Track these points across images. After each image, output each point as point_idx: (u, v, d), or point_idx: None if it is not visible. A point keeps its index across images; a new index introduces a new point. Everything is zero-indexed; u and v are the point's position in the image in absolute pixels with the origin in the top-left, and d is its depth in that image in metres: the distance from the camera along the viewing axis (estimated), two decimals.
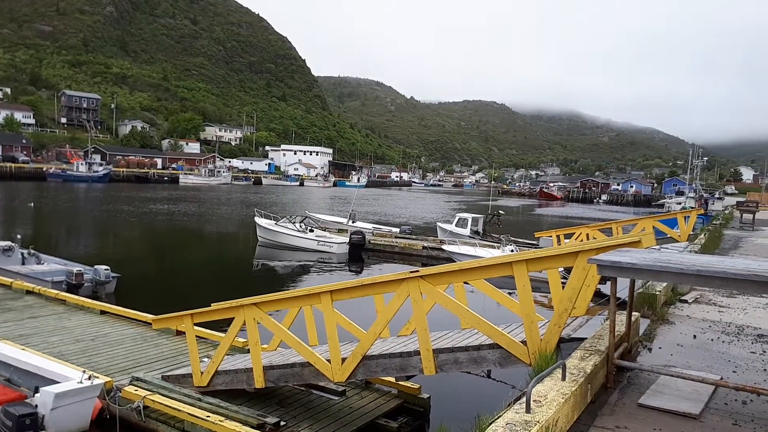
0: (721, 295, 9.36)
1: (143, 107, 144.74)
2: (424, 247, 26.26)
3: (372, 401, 8.50)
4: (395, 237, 29.10)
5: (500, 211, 34.42)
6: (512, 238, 25.72)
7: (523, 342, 6.06)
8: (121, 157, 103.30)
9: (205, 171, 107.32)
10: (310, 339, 8.37)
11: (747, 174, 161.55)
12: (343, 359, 6.83)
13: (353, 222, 31.99)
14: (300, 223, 28.23)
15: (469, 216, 30.15)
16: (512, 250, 21.46)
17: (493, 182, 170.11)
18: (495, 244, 24.80)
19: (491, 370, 9.97)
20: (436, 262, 22.95)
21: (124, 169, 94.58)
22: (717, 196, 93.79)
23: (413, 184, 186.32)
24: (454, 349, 6.44)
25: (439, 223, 32.34)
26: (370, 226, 32.17)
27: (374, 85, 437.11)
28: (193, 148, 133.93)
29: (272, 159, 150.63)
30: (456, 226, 29.58)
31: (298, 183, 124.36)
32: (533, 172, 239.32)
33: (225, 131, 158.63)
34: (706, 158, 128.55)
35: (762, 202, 60.88)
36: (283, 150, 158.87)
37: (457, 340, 6.84)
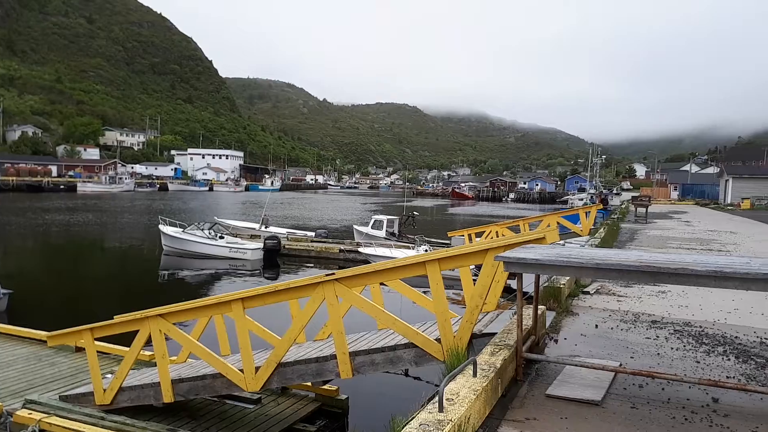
0: (620, 285, 9.96)
1: (35, 111, 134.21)
2: (340, 251, 26.19)
3: (289, 407, 8.34)
4: (311, 241, 28.82)
5: (415, 212, 34.99)
6: (426, 238, 26.21)
7: (438, 340, 6.15)
8: (9, 165, 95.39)
9: (106, 178, 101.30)
10: (221, 349, 8.07)
11: (640, 170, 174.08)
12: (257, 368, 6.63)
13: (266, 227, 31.36)
14: (209, 229, 27.27)
15: (384, 218, 30.41)
16: (426, 250, 21.85)
17: (407, 183, 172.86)
18: (410, 245, 25.17)
19: (408, 370, 10.13)
20: (353, 264, 22.95)
21: (14, 178, 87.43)
22: (615, 191, 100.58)
23: (329, 186, 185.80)
24: (370, 351, 6.43)
25: (355, 226, 32.39)
26: (284, 230, 31.66)
27: (286, 86, 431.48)
28: (92, 154, 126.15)
29: (179, 164, 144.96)
30: (372, 228, 29.75)
31: (207, 188, 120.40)
32: (446, 173, 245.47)
33: (127, 135, 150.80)
34: (604, 156, 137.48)
35: (654, 196, 65.85)
36: (190, 154, 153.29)
37: (373, 342, 6.83)
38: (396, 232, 29.83)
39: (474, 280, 6.20)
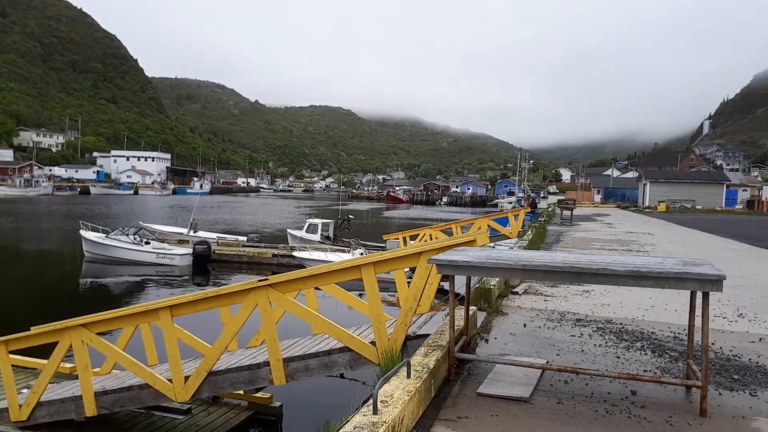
0: (546, 285, 10.35)
1: None
2: (274, 255, 25.80)
3: (220, 416, 8.14)
4: (243, 246, 28.21)
5: (350, 216, 35.00)
6: (362, 242, 26.26)
7: (373, 343, 6.18)
8: None
9: (21, 181, 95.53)
10: (149, 359, 7.78)
11: (566, 175, 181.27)
12: (187, 377, 6.44)
13: (195, 232, 30.47)
14: (134, 234, 26.20)
15: (319, 221, 30.24)
16: (362, 254, 21.90)
17: (342, 187, 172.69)
18: (346, 249, 25.13)
19: (343, 373, 10.10)
20: (287, 269, 22.64)
21: None
22: (542, 195, 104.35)
23: (262, 189, 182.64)
24: (304, 357, 6.38)
25: (289, 230, 32.02)
26: (214, 235, 30.85)
27: (216, 87, 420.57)
28: (5, 155, 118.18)
29: (101, 166, 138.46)
30: (306, 232, 29.50)
31: (132, 191, 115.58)
32: (381, 177, 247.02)
33: (44, 136, 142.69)
34: (532, 161, 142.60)
35: (578, 200, 68.80)
36: (114, 156, 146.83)
37: (308, 347, 6.78)
38: (331, 235, 29.74)
39: (409, 282, 6.29)
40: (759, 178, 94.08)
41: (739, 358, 6.02)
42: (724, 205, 59.31)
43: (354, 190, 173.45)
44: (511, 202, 77.27)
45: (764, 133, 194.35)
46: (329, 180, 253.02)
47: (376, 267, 6.08)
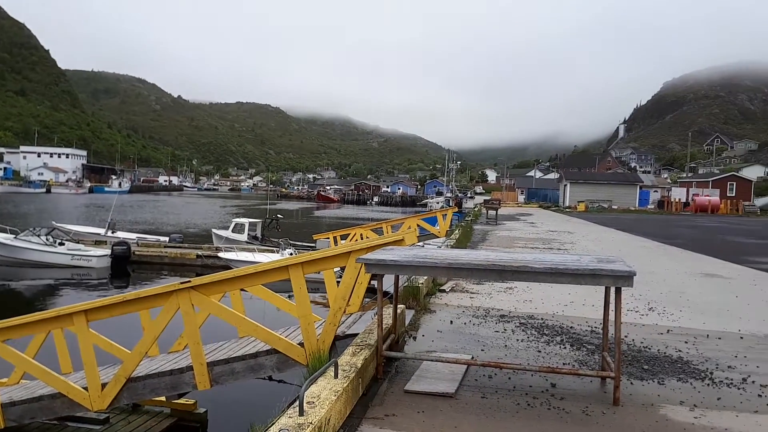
0: (472, 283, 10.60)
1: None
2: (198, 256, 25.02)
3: (141, 424, 7.82)
4: (165, 247, 27.17)
5: (279, 215, 34.50)
6: (291, 242, 25.94)
7: (301, 344, 6.13)
8: None
9: None
10: (62, 367, 7.34)
11: (491, 176, 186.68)
12: (104, 384, 6.13)
13: (113, 232, 29.08)
14: (47, 235, 24.66)
15: (246, 221, 29.59)
16: (291, 254, 21.64)
17: (271, 186, 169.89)
18: (274, 249, 24.74)
19: (272, 376, 9.94)
20: (212, 271, 22.02)
21: None
22: (469, 195, 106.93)
23: (185, 188, 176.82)
24: (230, 360, 6.24)
25: (214, 230, 31.13)
26: (134, 236, 29.55)
27: (136, 81, 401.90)
28: None
29: (9, 163, 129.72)
30: (232, 231, 28.79)
31: (44, 190, 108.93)
32: (311, 176, 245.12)
33: None
34: (459, 162, 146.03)
35: (503, 200, 70.97)
36: (23, 152, 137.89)
37: (233, 350, 6.63)
38: (259, 235, 29.18)
39: (339, 282, 6.27)
40: (668, 180, 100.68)
41: (649, 349, 6.40)
42: (637, 205, 63.01)
43: (283, 189, 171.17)
44: (439, 202, 78.71)
45: (673, 137, 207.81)
46: (257, 179, 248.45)
47: (304, 267, 6.03)
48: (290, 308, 7.11)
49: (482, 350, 6.15)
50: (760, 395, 4.96)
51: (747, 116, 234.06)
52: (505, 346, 6.39)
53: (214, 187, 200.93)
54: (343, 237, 23.30)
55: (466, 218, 34.27)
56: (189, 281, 6.02)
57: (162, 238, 29.33)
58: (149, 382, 6.27)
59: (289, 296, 7.18)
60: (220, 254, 23.88)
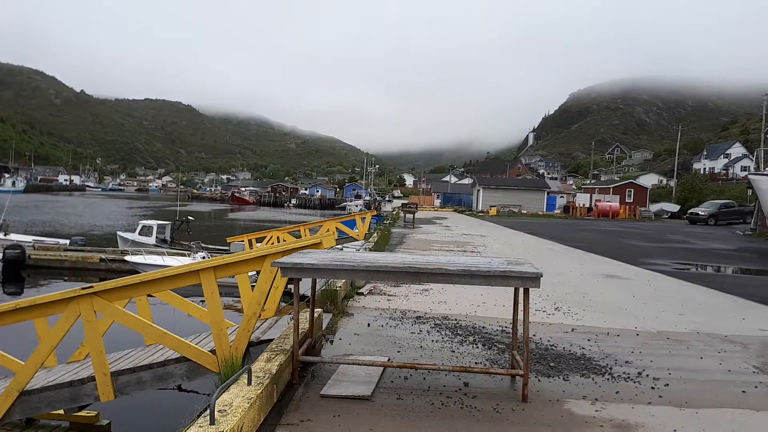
0: (390, 285, 10.70)
1: None
2: (102, 260, 23.61)
3: None
4: (64, 250, 25.43)
5: (190, 217, 33.22)
6: (204, 245, 25.07)
7: (213, 351, 5.93)
8: None
9: None
10: None
11: (409, 180, 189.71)
12: None
13: (5, 234, 26.90)
14: None
15: (154, 223, 28.26)
16: (204, 257, 20.92)
17: (182, 186, 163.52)
18: (185, 252, 23.79)
19: (182, 385, 9.55)
20: (118, 275, 20.85)
21: None
22: (387, 198, 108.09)
23: (88, 188, 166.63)
24: (136, 369, 5.93)
25: (119, 232, 29.50)
26: (30, 238, 27.47)
27: (33, 74, 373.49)
28: None
29: None
30: (140, 234, 27.41)
31: None
32: (225, 177, 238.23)
33: None
34: (378, 166, 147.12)
35: (420, 204, 72.23)
36: None
37: (140, 359, 6.32)
38: (168, 238, 27.98)
39: (254, 286, 6.13)
40: (573, 186, 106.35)
41: (555, 347, 6.71)
42: (545, 210, 66.15)
43: (195, 191, 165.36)
44: (358, 205, 78.96)
45: (577, 146, 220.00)
46: (166, 179, 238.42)
47: (216, 271, 5.84)
48: (201, 314, 6.88)
49: (398, 352, 6.21)
50: (653, 387, 5.33)
51: (643, 128, 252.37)
52: (421, 347, 6.49)
53: (120, 187, 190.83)
54: (259, 240, 22.79)
55: (385, 222, 34.59)
56: (91, 287, 5.67)
57: (62, 241, 27.41)
58: (46, 394, 5.84)
59: (202, 302, 6.95)
60: (127, 258, 22.66)
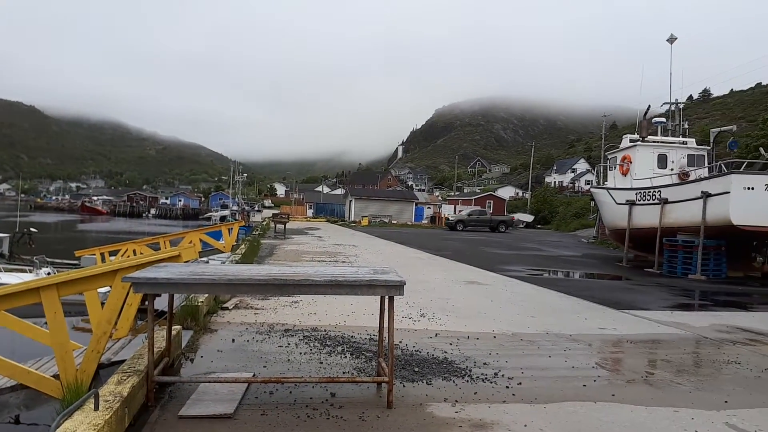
0: (257, 299, 10.41)
1: None
2: None
3: None
4: None
5: (32, 229, 30.02)
6: (49, 259, 22.78)
7: (56, 376, 5.38)
8: None
9: None
10: None
11: (280, 189, 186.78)
12: None
13: None
14: None
15: None
16: (49, 273, 18.99)
17: (23, 195, 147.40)
18: (27, 268, 21.42)
19: (20, 415, 8.54)
20: None
21: None
22: (256, 208, 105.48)
23: None
24: None
25: None
26: None
27: None
28: None
29: None
30: None
31: None
32: (74, 185, 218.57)
33: None
34: (246, 174, 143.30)
35: (292, 214, 71.41)
36: None
37: None
38: (6, 252, 25.08)
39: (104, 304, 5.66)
40: (439, 198, 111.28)
41: (420, 352, 6.93)
42: (413, 220, 68.53)
43: (38, 200, 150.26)
44: (225, 216, 76.30)
45: (443, 159, 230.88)
46: (4, 186, 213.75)
47: (60, 289, 5.32)
48: (42, 336, 6.21)
49: (264, 366, 6.05)
50: (507, 387, 5.69)
51: (501, 143, 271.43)
52: (288, 360, 6.37)
53: None
54: (113, 253, 21.13)
55: (254, 232, 33.72)
56: None
57: None
58: None
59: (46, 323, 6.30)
60: None
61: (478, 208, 61.07)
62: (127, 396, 4.22)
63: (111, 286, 5.67)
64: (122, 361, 5.55)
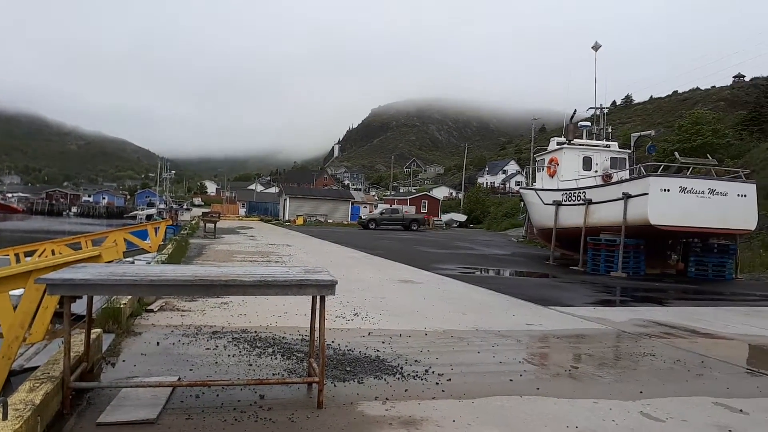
0: (185, 300, 10.07)
1: None
2: None
3: None
4: None
5: None
6: None
7: None
8: None
9: None
10: None
11: (211, 187, 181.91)
12: None
13: None
14: None
15: None
16: None
17: None
18: None
19: None
20: None
21: None
22: (185, 207, 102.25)
23: None
24: None
25: None
26: None
27: None
28: None
29: None
30: None
31: None
32: None
33: None
34: (174, 171, 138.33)
35: (224, 212, 69.71)
36: None
37: None
38: None
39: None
40: (376, 197, 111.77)
41: (352, 351, 6.92)
42: (349, 219, 68.44)
43: None
44: (151, 215, 73.55)
45: (379, 158, 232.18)
46: None
47: None
48: None
49: (191, 370, 5.86)
50: (437, 383, 5.77)
51: (436, 144, 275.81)
52: (216, 362, 6.21)
53: None
54: (30, 254, 19.88)
55: (182, 231, 32.68)
56: None
57: None
58: None
59: None
60: None
61: (390, 206, 62.63)
62: (40, 404, 3.98)
63: (24, 288, 5.35)
64: (36, 368, 5.24)
